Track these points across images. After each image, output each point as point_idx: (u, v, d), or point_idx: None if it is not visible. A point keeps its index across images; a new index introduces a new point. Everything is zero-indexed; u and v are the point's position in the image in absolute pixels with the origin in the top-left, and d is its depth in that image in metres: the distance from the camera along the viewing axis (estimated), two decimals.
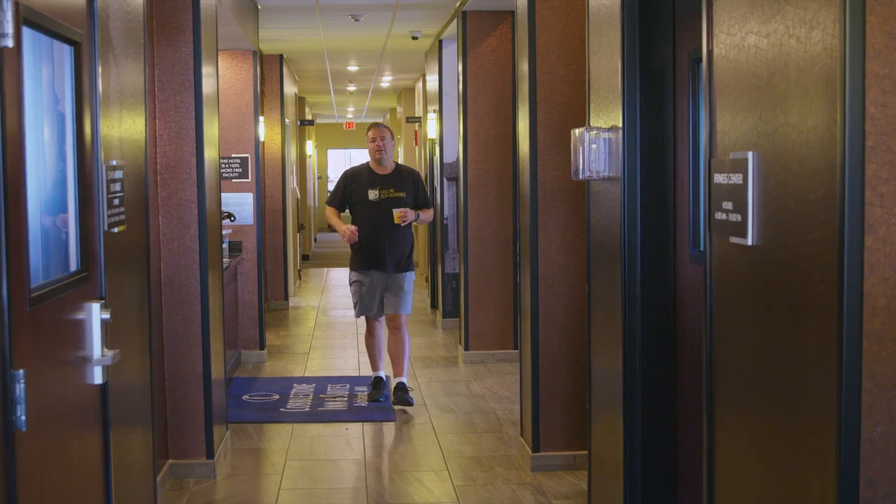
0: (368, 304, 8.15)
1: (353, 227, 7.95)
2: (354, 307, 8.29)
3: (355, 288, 8.19)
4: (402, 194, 8.10)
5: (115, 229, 3.62)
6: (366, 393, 8.51)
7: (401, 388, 8.08)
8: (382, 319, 8.33)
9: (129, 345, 3.88)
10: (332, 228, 7.97)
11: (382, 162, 8.15)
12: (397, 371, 8.18)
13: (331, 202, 8.31)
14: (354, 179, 8.20)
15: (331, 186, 35.33)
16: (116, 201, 3.64)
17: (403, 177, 8.22)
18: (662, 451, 4.38)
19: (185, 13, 6.09)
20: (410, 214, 8.00)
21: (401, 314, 8.14)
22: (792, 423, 2.63)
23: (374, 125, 8.26)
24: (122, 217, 3.73)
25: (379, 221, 7.98)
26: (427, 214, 8.31)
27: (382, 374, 8.49)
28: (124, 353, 3.62)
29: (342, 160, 34.62)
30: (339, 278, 17.94)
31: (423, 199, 8.26)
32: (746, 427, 2.97)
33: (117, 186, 3.66)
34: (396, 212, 7.91)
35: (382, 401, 8.24)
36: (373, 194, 8.05)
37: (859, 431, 2.33)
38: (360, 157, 33.73)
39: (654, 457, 4.39)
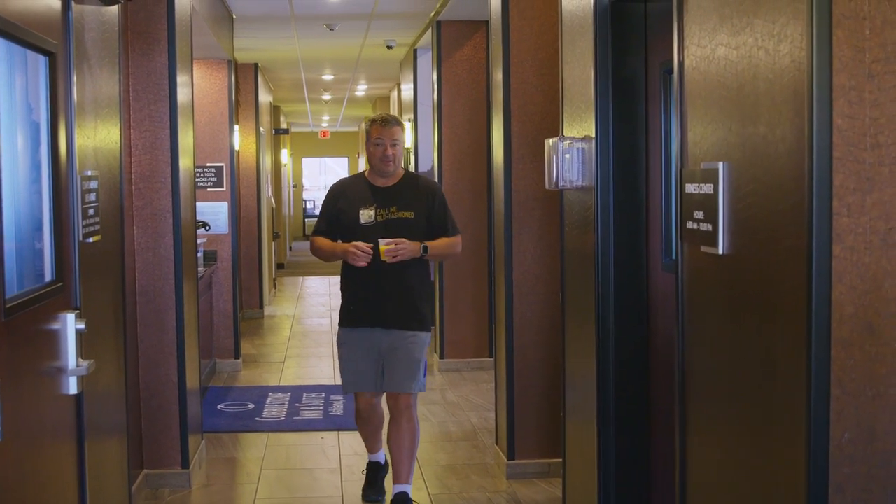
0: (362, 376, 5.63)
1: (364, 244, 5.45)
2: (342, 382, 5.80)
3: (344, 352, 5.70)
4: (409, 214, 5.54)
5: (91, 239, 3.62)
6: (361, 483, 6.17)
7: (402, 500, 5.66)
8: (382, 397, 5.84)
9: (104, 355, 3.88)
10: (327, 259, 5.80)
11: (387, 172, 5.63)
12: (399, 476, 5.67)
13: (317, 231, 5.76)
14: (345, 196, 5.67)
15: (308, 197, 34.79)
16: (91, 211, 3.64)
17: (415, 190, 5.64)
18: (636, 457, 4.41)
19: (159, 22, 6.10)
20: (406, 248, 5.45)
21: (409, 394, 5.62)
22: (762, 430, 2.66)
23: (381, 120, 5.63)
24: (98, 227, 3.73)
25: (375, 255, 5.45)
26: (444, 245, 5.64)
27: (382, 457, 6.09)
28: (99, 363, 3.62)
29: (317, 169, 34.60)
30: (315, 287, 17.93)
31: (439, 223, 5.62)
32: (718, 433, 3.00)
33: (92, 196, 3.66)
34: (383, 244, 5.41)
35: (380, 500, 5.98)
36: (366, 215, 5.51)
37: (828, 438, 2.36)
38: (336, 165, 33.63)
39: (628, 463, 4.42)
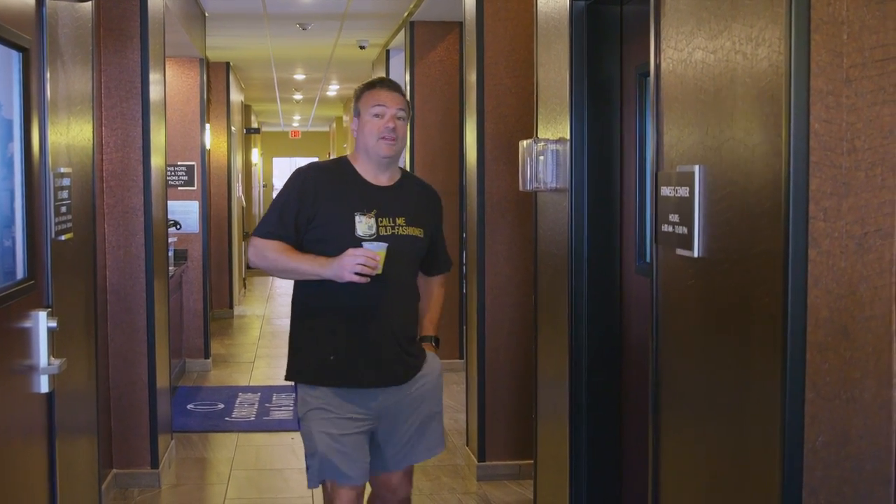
0: (347, 459, 3.82)
1: (371, 251, 3.64)
2: (308, 467, 3.91)
3: (316, 424, 3.83)
4: (419, 232, 3.94)
5: (63, 237, 3.59)
6: None
7: None
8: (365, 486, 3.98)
9: (76, 353, 3.85)
10: (284, 275, 3.90)
11: (386, 164, 3.94)
12: None
13: (267, 233, 3.84)
14: (326, 190, 3.85)
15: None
16: (64, 209, 3.61)
17: (421, 198, 4.07)
18: (608, 459, 4.41)
19: (132, 20, 6.06)
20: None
21: (410, 482, 4.15)
22: (737, 433, 2.66)
23: (381, 82, 4.02)
24: (70, 225, 3.70)
25: (376, 283, 3.73)
26: (438, 288, 4.25)
27: None
28: (70, 362, 3.59)
29: (288, 169, 34.46)
30: (285, 287, 17.84)
31: (438, 251, 4.16)
32: (692, 436, 3.00)
33: (65, 194, 3.64)
34: (375, 248, 3.70)
35: None
36: (364, 224, 3.80)
37: (802, 441, 2.37)
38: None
39: (600, 465, 4.42)
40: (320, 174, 3.93)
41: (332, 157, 27.86)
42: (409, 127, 10.02)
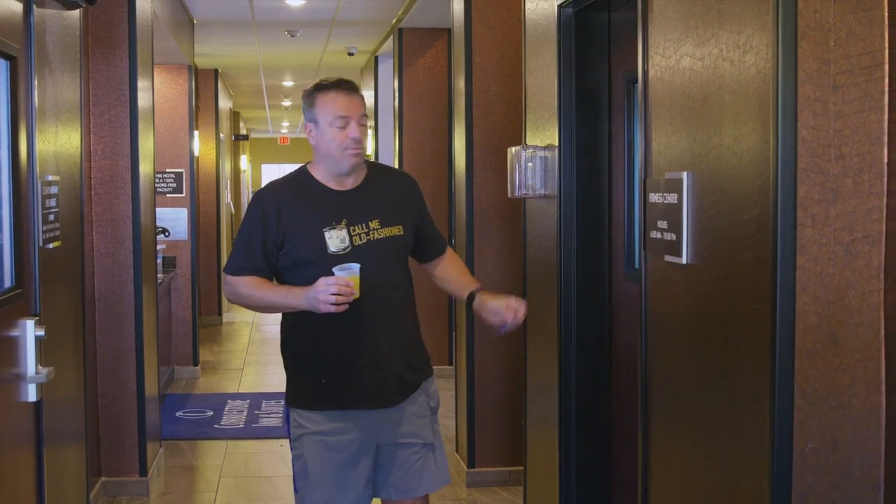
0: (340, 486, 3.60)
1: (343, 278, 3.37)
2: (297, 490, 3.69)
3: (312, 449, 3.60)
4: (398, 230, 3.66)
5: (51, 245, 3.59)
6: None
7: None
8: None
9: (64, 362, 3.84)
10: (264, 310, 3.77)
11: (353, 168, 3.60)
12: None
13: (240, 268, 3.60)
14: (289, 210, 3.58)
15: None
16: (52, 217, 3.61)
17: (393, 189, 3.76)
18: (597, 466, 4.41)
19: (120, 27, 6.05)
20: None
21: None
22: (726, 439, 2.67)
23: (338, 85, 3.59)
24: (58, 232, 3.69)
25: (360, 302, 3.44)
26: (449, 262, 4.00)
27: None
28: (58, 371, 3.58)
29: (276, 175, 34.32)
30: None
31: (429, 235, 3.89)
32: (681, 443, 3.01)
33: (53, 202, 3.63)
34: (343, 274, 3.43)
35: None
36: (336, 238, 3.52)
37: (792, 447, 2.38)
38: None
39: (590, 471, 4.42)
40: (279, 193, 3.63)
41: None
42: (395, 130, 10.04)
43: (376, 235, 3.58)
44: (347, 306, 3.38)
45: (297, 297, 3.45)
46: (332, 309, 3.36)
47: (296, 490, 3.69)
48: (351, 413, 3.59)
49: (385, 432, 3.64)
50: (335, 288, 3.34)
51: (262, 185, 3.78)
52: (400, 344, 3.65)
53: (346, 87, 3.58)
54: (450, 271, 3.96)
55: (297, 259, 3.54)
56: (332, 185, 3.62)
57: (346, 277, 3.37)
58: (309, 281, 3.44)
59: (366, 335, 3.55)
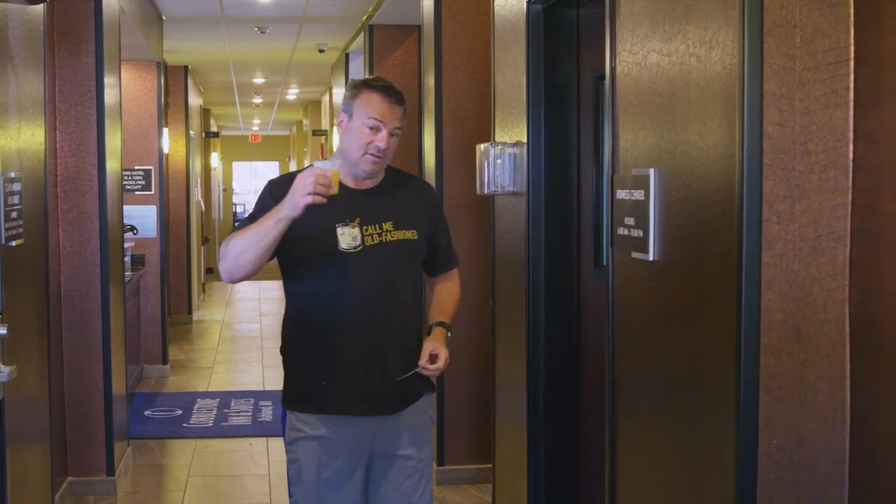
0: (334, 491, 3.48)
1: (321, 169, 3.18)
2: (291, 495, 3.58)
3: (306, 453, 3.48)
4: (412, 234, 3.55)
5: (14, 243, 3.55)
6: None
7: None
8: None
9: (28, 360, 3.80)
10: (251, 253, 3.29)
11: (372, 174, 3.51)
12: None
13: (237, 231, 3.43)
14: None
15: (238, 201, 33.47)
16: (14, 214, 3.57)
17: (410, 194, 3.65)
18: (566, 462, 4.41)
19: (87, 23, 6.00)
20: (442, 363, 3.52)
21: None
22: (692, 435, 2.66)
23: (385, 89, 3.45)
24: (21, 230, 3.66)
25: (365, 298, 3.44)
26: (450, 282, 3.85)
27: None
28: (22, 369, 3.54)
29: (248, 172, 34.30)
30: (245, 291, 17.75)
31: (442, 249, 3.74)
32: (648, 439, 3.00)
33: (15, 199, 3.59)
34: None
35: None
36: (348, 236, 3.43)
37: (756, 444, 2.37)
38: (266, 169, 33.22)
39: (558, 468, 4.42)
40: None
41: (292, 160, 27.78)
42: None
43: (389, 238, 3.47)
44: (325, 199, 3.18)
45: (277, 208, 3.25)
46: (310, 200, 3.14)
47: (290, 495, 3.57)
48: (348, 419, 3.46)
49: (381, 442, 3.51)
50: (312, 178, 3.15)
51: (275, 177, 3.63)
52: (404, 350, 3.51)
53: (393, 95, 3.45)
54: (438, 293, 3.82)
55: (306, 252, 3.42)
56: (350, 182, 3.49)
57: (324, 169, 3.19)
58: (317, 276, 3.40)
59: (370, 338, 3.43)
